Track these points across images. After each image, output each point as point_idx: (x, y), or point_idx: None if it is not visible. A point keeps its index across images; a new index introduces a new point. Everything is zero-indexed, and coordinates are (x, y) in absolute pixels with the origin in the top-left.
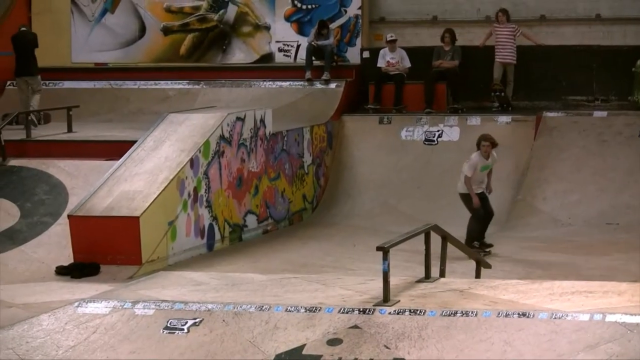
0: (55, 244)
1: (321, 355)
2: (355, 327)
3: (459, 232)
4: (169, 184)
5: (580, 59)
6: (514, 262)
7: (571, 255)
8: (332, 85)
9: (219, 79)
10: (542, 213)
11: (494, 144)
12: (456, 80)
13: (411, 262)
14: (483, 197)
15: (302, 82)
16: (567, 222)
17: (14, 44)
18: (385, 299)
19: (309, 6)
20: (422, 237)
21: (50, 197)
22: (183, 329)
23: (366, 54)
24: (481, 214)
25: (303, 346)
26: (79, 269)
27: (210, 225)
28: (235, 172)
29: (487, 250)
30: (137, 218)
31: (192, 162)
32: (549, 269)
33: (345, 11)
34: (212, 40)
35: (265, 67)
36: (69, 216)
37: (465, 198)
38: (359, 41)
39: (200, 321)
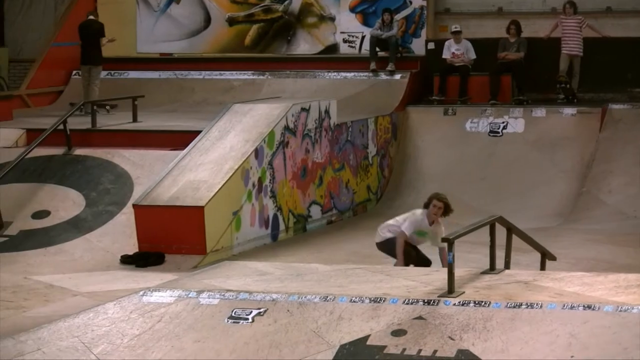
0: (120, 233)
1: (385, 346)
2: (420, 318)
3: (524, 224)
4: (233, 174)
5: None
6: (579, 255)
7: (636, 247)
8: (397, 77)
9: (284, 70)
10: (607, 205)
11: (446, 210)
12: (521, 72)
13: (476, 254)
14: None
15: (366, 73)
16: (632, 214)
17: (80, 32)
18: (450, 290)
19: None
20: (487, 228)
21: (116, 186)
22: (247, 319)
23: (431, 46)
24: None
25: (367, 337)
26: (144, 258)
27: (275, 216)
28: (299, 163)
29: None
30: (202, 208)
31: (257, 153)
32: (614, 261)
33: (410, 2)
34: (277, 31)
35: (329, 58)
36: (134, 205)
37: (386, 246)
38: (423, 32)
39: (265, 311)
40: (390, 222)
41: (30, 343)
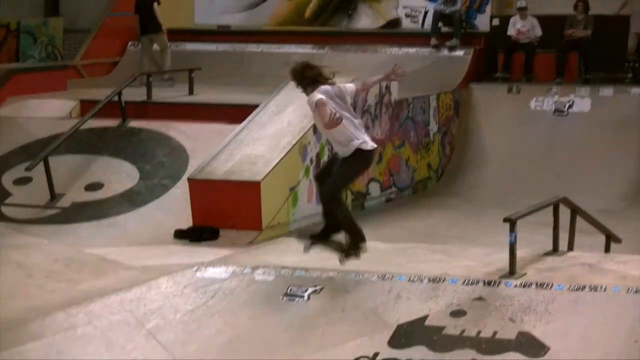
0: (175, 207)
1: (444, 327)
2: (480, 299)
3: (589, 205)
4: (291, 149)
5: None
6: None
7: None
8: (460, 53)
9: (344, 44)
10: None
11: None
12: (588, 50)
13: (539, 235)
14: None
15: (428, 49)
16: None
17: (136, 3)
18: (512, 272)
19: None
20: (550, 209)
21: (170, 159)
22: (303, 297)
23: (496, 22)
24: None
25: (426, 317)
26: (198, 233)
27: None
28: None
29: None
30: (259, 183)
31: (315, 128)
32: None
33: None
34: (337, 4)
35: (391, 33)
36: (188, 179)
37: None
38: (488, 8)
39: (321, 289)
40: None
41: (81, 316)
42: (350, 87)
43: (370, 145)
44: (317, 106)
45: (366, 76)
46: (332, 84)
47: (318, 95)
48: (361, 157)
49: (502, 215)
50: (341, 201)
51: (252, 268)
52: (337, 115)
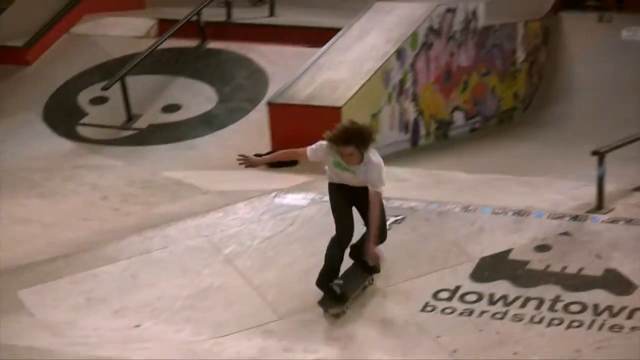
0: (253, 131)
1: (528, 261)
2: (566, 234)
3: None
4: (373, 74)
5: None
6: None
7: None
8: None
9: None
10: None
11: (360, 146)
12: None
13: (628, 169)
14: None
15: None
16: None
17: None
18: (599, 206)
19: None
20: None
21: (250, 82)
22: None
23: None
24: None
25: (510, 251)
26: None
27: (416, 120)
28: (443, 66)
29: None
30: (340, 108)
31: (399, 54)
32: None
33: None
34: None
35: None
36: (268, 103)
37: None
38: None
39: (403, 219)
40: None
41: (157, 240)
42: None
43: None
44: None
45: None
46: None
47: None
48: None
49: (590, 148)
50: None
51: None
52: None
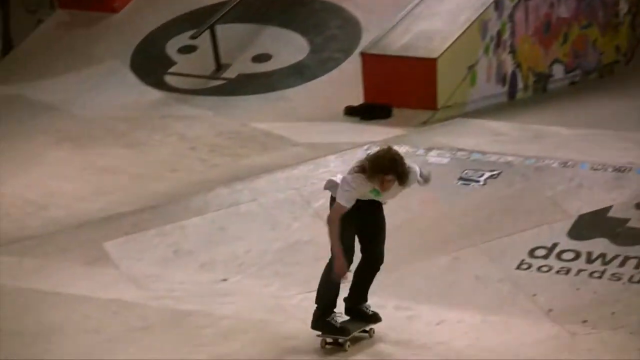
0: (346, 82)
1: (629, 219)
2: None
3: None
4: (470, 25)
5: None
6: None
7: None
8: None
9: None
10: None
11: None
12: None
13: None
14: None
15: None
16: None
17: None
18: None
19: None
20: None
21: (343, 32)
22: (479, 181)
23: None
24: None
25: (609, 208)
26: (370, 111)
27: (513, 73)
28: (543, 17)
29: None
30: (435, 60)
31: (497, 4)
32: None
33: None
34: None
35: None
36: (361, 53)
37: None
38: None
39: (499, 174)
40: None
41: (246, 193)
42: None
43: None
44: None
45: None
46: None
47: None
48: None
49: None
50: None
51: (426, 149)
52: None
